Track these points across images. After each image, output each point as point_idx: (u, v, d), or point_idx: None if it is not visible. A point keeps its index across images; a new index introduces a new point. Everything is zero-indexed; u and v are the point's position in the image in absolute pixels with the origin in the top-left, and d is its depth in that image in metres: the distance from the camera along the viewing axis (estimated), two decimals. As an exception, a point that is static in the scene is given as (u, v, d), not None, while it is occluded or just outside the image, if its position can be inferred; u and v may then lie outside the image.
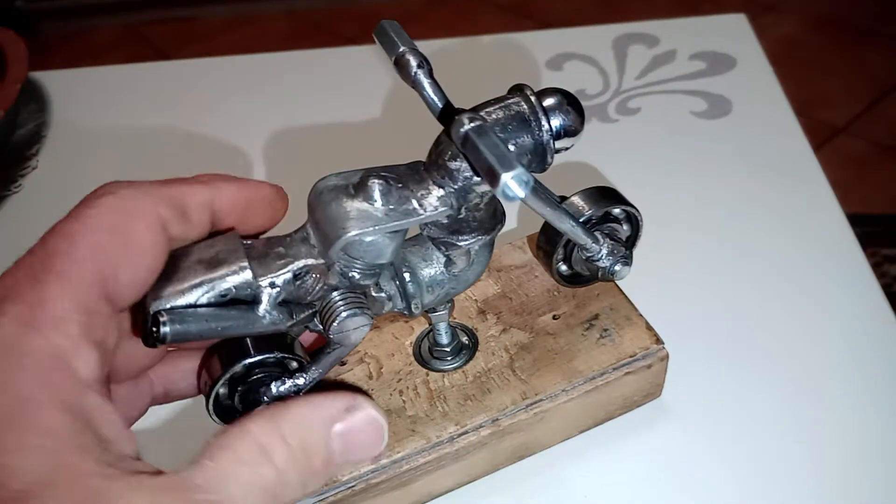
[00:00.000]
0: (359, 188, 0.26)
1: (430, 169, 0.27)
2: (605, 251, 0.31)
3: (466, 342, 0.34)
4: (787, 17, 1.66)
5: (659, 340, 0.34)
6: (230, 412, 0.29)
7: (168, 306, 0.25)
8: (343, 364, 0.34)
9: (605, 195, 0.32)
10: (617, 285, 0.36)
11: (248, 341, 0.28)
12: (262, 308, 0.26)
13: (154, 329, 0.24)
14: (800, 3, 1.72)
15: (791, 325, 0.39)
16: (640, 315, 0.35)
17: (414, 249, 0.29)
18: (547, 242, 0.33)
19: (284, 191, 0.28)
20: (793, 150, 0.50)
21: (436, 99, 0.27)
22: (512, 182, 0.21)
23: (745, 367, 0.37)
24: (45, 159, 0.57)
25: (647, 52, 0.59)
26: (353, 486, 0.30)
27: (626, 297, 0.35)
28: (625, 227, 0.33)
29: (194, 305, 0.25)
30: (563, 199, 0.31)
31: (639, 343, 0.33)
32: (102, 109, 0.62)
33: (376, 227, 0.26)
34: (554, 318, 0.35)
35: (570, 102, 0.27)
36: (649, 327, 0.34)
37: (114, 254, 0.23)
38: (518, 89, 0.27)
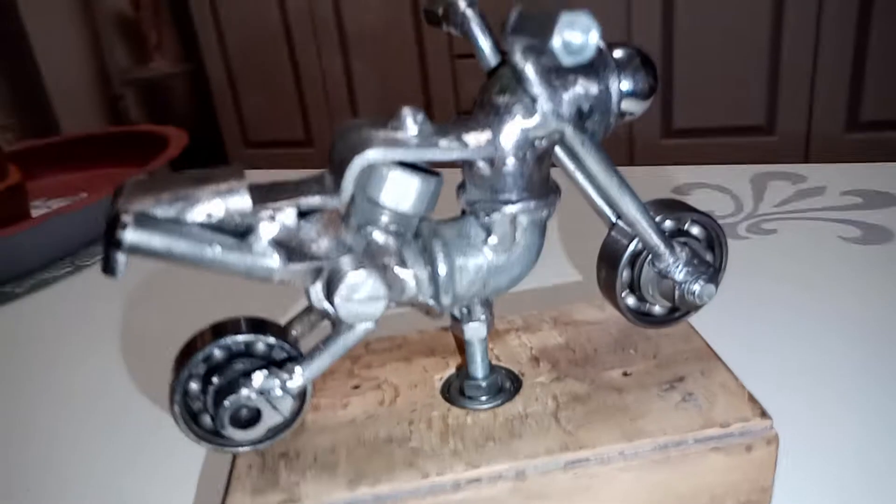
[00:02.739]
0: (390, 119, 0.23)
1: (474, 114, 0.23)
2: (682, 260, 0.24)
3: (508, 386, 0.27)
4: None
5: (765, 415, 0.25)
6: (197, 416, 0.24)
7: (138, 210, 0.21)
8: (356, 388, 0.28)
9: (676, 205, 0.26)
10: (716, 354, 0.28)
11: (236, 324, 0.24)
12: (254, 240, 0.22)
13: (112, 234, 0.20)
14: None
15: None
16: (742, 386, 0.26)
17: (450, 224, 0.24)
18: (607, 261, 0.26)
19: None
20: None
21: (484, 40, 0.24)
22: (570, 25, 0.18)
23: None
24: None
25: (790, 186, 0.53)
26: (315, 514, 0.23)
27: (723, 363, 0.27)
28: (707, 256, 0.27)
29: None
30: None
31: (735, 413, 0.25)
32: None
33: (404, 152, 0.22)
34: (624, 374, 0.27)
35: (644, 62, 0.23)
36: (752, 399, 0.25)
37: None
38: None
